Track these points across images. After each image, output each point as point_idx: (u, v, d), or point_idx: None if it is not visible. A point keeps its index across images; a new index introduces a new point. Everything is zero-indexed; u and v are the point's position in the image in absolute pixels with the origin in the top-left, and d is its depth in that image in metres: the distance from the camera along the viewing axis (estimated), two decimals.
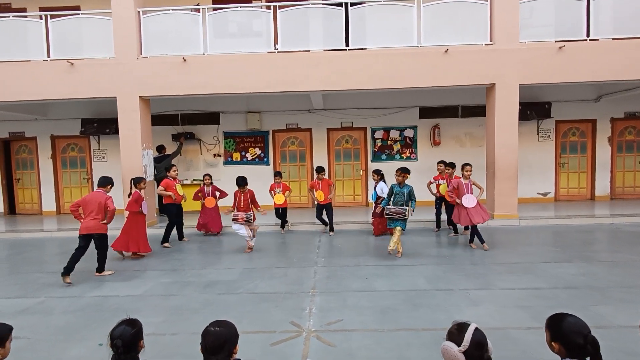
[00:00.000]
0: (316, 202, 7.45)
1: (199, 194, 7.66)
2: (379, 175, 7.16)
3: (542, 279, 4.48)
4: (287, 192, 7.75)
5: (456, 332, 1.69)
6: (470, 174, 6.11)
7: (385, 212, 5.77)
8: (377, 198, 6.99)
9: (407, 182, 5.81)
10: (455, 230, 6.99)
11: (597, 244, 6.34)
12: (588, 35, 7.67)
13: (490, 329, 2.06)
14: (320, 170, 7.45)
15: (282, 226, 7.84)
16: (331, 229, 7.48)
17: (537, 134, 10.28)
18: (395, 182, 5.83)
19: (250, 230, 6.28)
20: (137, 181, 6.31)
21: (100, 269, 5.31)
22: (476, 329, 1.67)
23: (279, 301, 4.10)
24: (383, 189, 6.90)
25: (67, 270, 4.97)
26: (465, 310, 3.67)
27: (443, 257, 5.61)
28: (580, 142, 10.35)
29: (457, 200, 6.03)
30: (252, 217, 6.28)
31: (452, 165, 7.12)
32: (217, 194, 7.71)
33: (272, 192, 7.71)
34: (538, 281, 4.42)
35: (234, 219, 6.24)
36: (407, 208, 5.58)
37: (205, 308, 4.00)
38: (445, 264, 5.29)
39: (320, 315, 3.69)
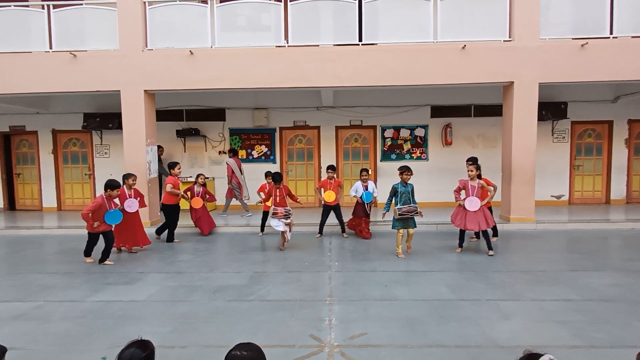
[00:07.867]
0: (323, 203, 7.14)
1: (187, 193, 7.20)
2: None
3: (573, 290, 4.20)
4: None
5: None
6: (472, 174, 5.71)
7: (398, 213, 5.57)
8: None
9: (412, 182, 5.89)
10: (478, 236, 6.46)
11: (622, 251, 6.06)
12: (611, 33, 7.37)
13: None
14: (331, 168, 7.14)
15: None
16: (343, 230, 7.21)
17: (552, 135, 9.99)
18: (400, 181, 5.74)
19: (287, 225, 6.20)
20: (125, 177, 6.07)
21: (86, 252, 5.67)
22: None
23: (294, 310, 3.82)
24: (357, 189, 6.90)
25: (102, 257, 5.63)
26: (498, 325, 3.39)
27: (463, 263, 5.34)
28: (596, 144, 10.05)
29: (460, 202, 5.76)
30: (290, 212, 6.21)
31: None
32: (207, 196, 7.40)
33: (263, 192, 7.10)
34: (569, 292, 4.14)
35: (273, 214, 6.18)
36: (417, 205, 5.70)
37: (215, 317, 3.73)
38: (466, 270, 5.02)
39: (342, 327, 3.41)
